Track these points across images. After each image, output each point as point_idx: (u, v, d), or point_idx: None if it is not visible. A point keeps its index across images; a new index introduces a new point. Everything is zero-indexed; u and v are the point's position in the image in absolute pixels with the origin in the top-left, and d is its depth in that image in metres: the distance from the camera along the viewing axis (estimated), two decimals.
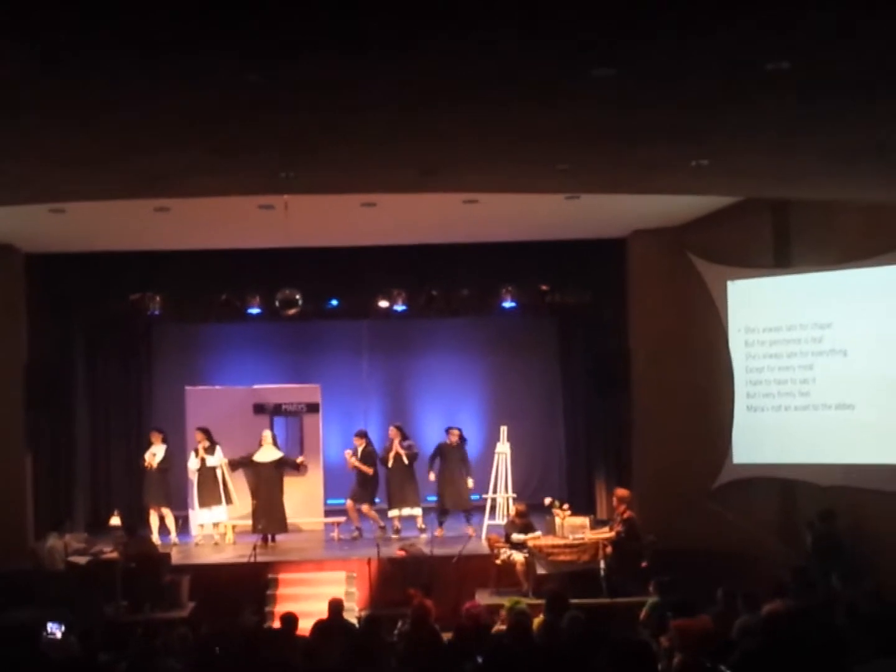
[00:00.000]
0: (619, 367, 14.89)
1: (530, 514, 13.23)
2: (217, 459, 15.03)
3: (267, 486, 14.81)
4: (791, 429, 13.26)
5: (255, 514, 14.75)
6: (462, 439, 15.30)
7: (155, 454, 15.03)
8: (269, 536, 14.82)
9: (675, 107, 7.02)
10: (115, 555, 12.62)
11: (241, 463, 15.02)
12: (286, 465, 15.05)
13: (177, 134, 7.67)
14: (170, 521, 15.04)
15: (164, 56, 5.68)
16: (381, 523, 15.10)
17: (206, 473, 14.99)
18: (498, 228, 13.89)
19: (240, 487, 15.27)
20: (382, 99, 6.71)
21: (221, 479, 15.07)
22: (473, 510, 15.15)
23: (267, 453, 14.92)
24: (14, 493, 14.23)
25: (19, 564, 13.11)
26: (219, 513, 15.06)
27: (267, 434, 15.10)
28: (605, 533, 12.72)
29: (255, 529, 14.65)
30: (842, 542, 11.48)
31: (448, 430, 15.32)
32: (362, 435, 15.37)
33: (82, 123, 7.28)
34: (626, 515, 12.59)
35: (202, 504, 14.98)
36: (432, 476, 15.13)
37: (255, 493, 14.88)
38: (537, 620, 8.81)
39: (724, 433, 13.81)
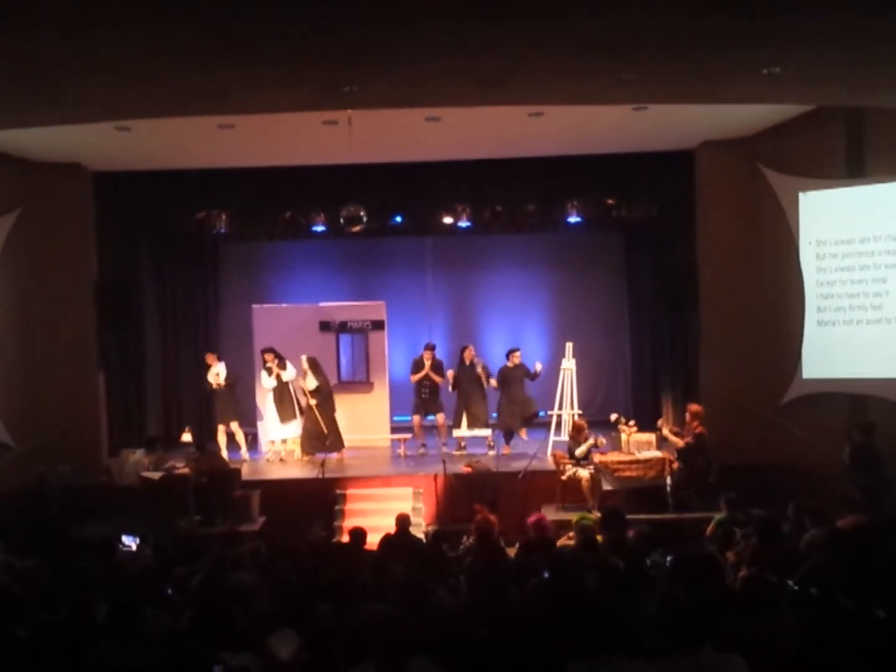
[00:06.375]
0: (686, 282, 14.68)
1: (590, 428, 13.14)
2: (291, 374, 15.17)
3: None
4: (862, 343, 13.01)
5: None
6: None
7: (218, 373, 15.22)
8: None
9: (747, 11, 6.80)
10: (186, 470, 12.85)
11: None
12: None
13: (240, 48, 7.62)
14: (240, 437, 15.24)
15: None
16: (444, 440, 15.19)
17: (284, 389, 15.16)
18: (563, 141, 13.67)
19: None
20: (442, 10, 6.59)
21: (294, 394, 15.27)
22: (533, 425, 15.16)
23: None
24: (88, 410, 14.58)
25: (95, 479, 13.43)
26: (294, 427, 15.25)
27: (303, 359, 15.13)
28: (677, 439, 12.60)
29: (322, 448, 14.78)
30: (879, 455, 11.27)
31: (510, 353, 15.22)
32: (432, 348, 15.49)
33: (144, 39, 7.24)
34: (697, 430, 12.51)
35: (283, 419, 15.16)
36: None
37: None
38: (601, 536, 8.83)
39: (793, 348, 13.62)
